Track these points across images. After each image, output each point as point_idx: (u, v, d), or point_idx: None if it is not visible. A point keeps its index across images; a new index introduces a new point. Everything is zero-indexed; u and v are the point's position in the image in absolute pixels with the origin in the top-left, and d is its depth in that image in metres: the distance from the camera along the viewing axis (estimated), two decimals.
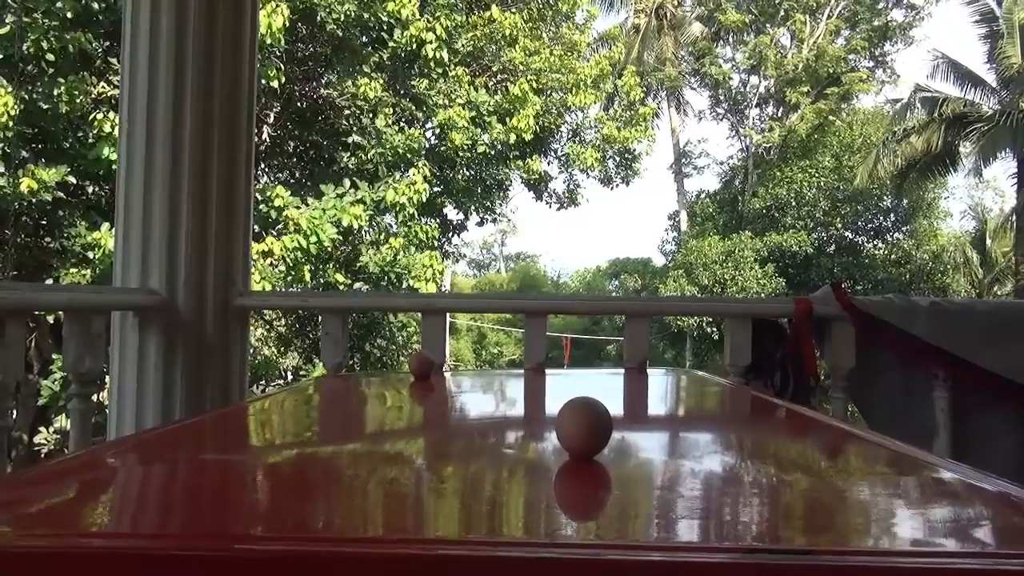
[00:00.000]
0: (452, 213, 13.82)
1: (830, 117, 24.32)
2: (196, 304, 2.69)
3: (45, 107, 8.98)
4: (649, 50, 27.50)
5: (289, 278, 9.97)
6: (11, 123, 8.41)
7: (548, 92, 13.58)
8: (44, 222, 9.85)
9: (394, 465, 1.11)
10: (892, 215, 24.56)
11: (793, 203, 23.47)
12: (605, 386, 2.22)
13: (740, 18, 26.13)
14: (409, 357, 2.17)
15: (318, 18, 10.66)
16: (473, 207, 13.50)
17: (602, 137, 14.90)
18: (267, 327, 12.54)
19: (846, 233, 24.51)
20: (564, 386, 2.32)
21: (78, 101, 9.07)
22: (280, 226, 10.22)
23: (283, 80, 10.23)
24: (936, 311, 2.85)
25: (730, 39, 27.97)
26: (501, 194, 14.20)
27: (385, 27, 11.18)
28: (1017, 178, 19.86)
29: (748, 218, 24.43)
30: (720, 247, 22.52)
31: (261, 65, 9.12)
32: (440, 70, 11.78)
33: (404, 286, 10.82)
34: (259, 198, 10.04)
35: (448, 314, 4.59)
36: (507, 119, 12.43)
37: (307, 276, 10.07)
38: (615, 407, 1.59)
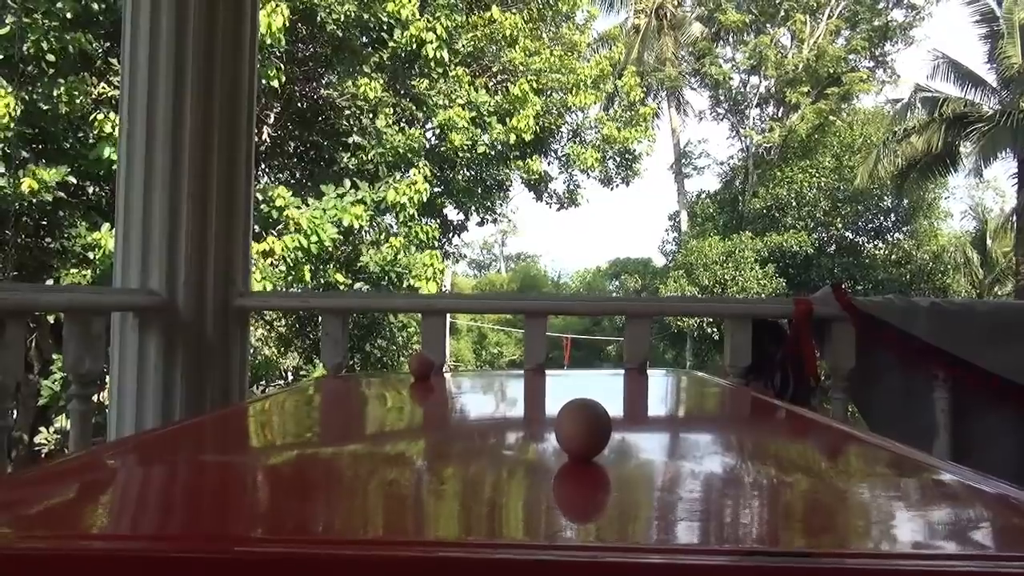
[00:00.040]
0: (452, 213, 13.84)
1: (830, 117, 24.32)
2: (196, 305, 2.69)
3: (45, 108, 8.98)
4: (649, 50, 27.50)
5: (289, 278, 9.97)
6: (11, 124, 8.41)
7: (548, 92, 13.59)
8: (44, 223, 9.85)
9: (394, 467, 1.11)
10: (892, 215, 24.56)
11: (793, 203, 23.47)
12: (605, 387, 2.22)
13: (740, 18, 26.12)
14: (409, 358, 2.17)
15: (318, 18, 10.66)
16: (473, 207, 13.50)
17: (602, 137, 14.91)
18: (267, 327, 12.54)
19: (846, 233, 24.52)
20: (564, 387, 2.32)
21: (78, 102, 9.07)
22: (280, 226, 10.22)
23: (283, 80, 10.23)
24: (936, 312, 2.85)
25: (730, 39, 27.97)
26: (501, 194, 14.20)
27: (385, 27, 11.19)
28: (1017, 178, 19.86)
29: (748, 218, 24.43)
30: (720, 247, 22.52)
31: (261, 65, 9.12)
32: (440, 70, 11.79)
33: (405, 285, 10.82)
34: (260, 198, 10.04)
35: (448, 315, 4.58)
36: (507, 119, 12.43)
37: (307, 276, 10.07)
38: (614, 408, 1.59)
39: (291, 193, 10.44)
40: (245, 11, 2.86)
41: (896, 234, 24.73)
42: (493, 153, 12.51)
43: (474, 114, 12.22)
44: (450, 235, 14.21)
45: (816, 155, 24.04)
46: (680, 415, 1.88)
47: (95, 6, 9.03)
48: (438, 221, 13.02)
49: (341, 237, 10.42)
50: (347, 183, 10.71)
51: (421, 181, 11.21)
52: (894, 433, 2.16)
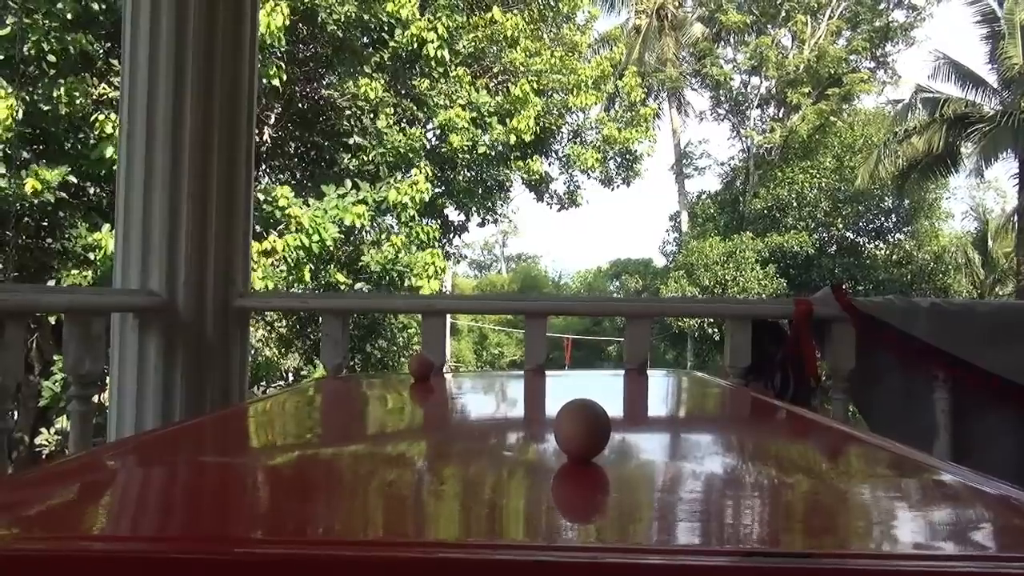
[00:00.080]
0: (453, 214, 13.83)
1: (831, 118, 24.33)
2: (196, 305, 2.69)
3: (46, 108, 8.98)
4: (650, 51, 27.51)
5: (290, 277, 9.97)
6: (13, 124, 8.41)
7: (549, 93, 13.58)
8: (45, 223, 9.85)
9: (393, 468, 1.11)
10: (893, 216, 24.56)
11: (794, 204, 23.47)
12: (605, 387, 2.22)
13: (741, 19, 26.14)
14: (409, 358, 2.17)
15: (319, 19, 10.66)
16: (474, 208, 13.50)
17: (603, 138, 14.90)
18: (268, 328, 12.54)
19: (847, 234, 24.52)
20: (564, 387, 2.32)
21: (78, 102, 9.07)
22: (281, 226, 10.23)
23: (284, 80, 10.23)
24: (936, 312, 2.85)
25: (731, 40, 27.99)
26: (502, 195, 14.20)
27: (386, 27, 11.19)
28: (1018, 179, 19.86)
29: (749, 219, 24.43)
30: (721, 248, 22.52)
31: (261, 65, 9.13)
32: (441, 70, 11.78)
33: (406, 284, 10.82)
34: (263, 198, 10.05)
35: (448, 315, 4.58)
36: (508, 120, 12.43)
37: (307, 276, 10.07)
38: (614, 409, 1.59)
39: (293, 194, 10.45)
40: (245, 11, 2.86)
41: (897, 235, 24.74)
42: (493, 154, 12.51)
43: (475, 114, 12.22)
44: (451, 236, 14.20)
45: (817, 156, 24.05)
46: (680, 415, 1.87)
47: (95, 7, 9.02)
48: (439, 222, 13.01)
49: (342, 237, 10.42)
50: (348, 183, 10.71)
51: (423, 181, 11.22)
52: (894, 434, 2.15)
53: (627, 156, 15.46)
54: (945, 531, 0.80)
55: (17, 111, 8.50)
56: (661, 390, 2.25)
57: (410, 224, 11.26)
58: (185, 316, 2.66)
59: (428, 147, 12.29)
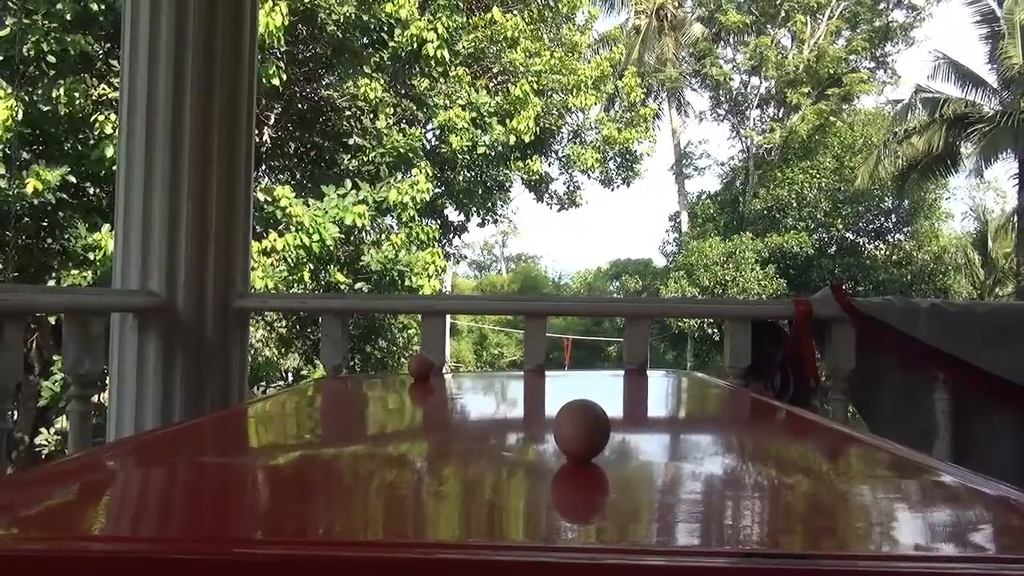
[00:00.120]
0: (453, 214, 13.84)
1: (831, 118, 24.34)
2: (196, 306, 2.69)
3: (45, 109, 8.98)
4: (650, 51, 27.51)
5: (291, 277, 9.98)
6: (12, 125, 8.41)
7: (549, 93, 13.59)
8: (45, 224, 9.85)
9: (393, 468, 1.11)
10: (893, 216, 24.57)
11: (794, 204, 23.48)
12: (604, 388, 2.22)
13: (741, 19, 26.15)
14: (409, 359, 2.17)
15: (318, 19, 10.66)
16: (474, 208, 13.51)
17: (603, 138, 14.92)
18: (268, 328, 12.54)
19: (847, 234, 24.53)
20: (563, 388, 2.32)
21: (78, 103, 9.07)
22: (281, 226, 10.23)
23: (284, 81, 10.24)
24: (936, 313, 2.85)
25: (731, 40, 28.01)
26: (502, 195, 14.21)
27: (385, 28, 11.19)
28: (1018, 179, 19.88)
29: (749, 219, 24.44)
30: (721, 248, 22.53)
31: (261, 65, 9.13)
32: (441, 69, 11.79)
33: (406, 284, 10.82)
34: (265, 198, 10.06)
35: (448, 316, 4.58)
36: (507, 120, 12.44)
37: (307, 276, 10.07)
38: (614, 409, 1.59)
39: (294, 195, 10.45)
40: (245, 11, 2.86)
41: (897, 235, 24.74)
42: (493, 154, 12.52)
43: (474, 115, 12.23)
44: (450, 236, 14.21)
45: (817, 156, 24.06)
46: (679, 416, 1.87)
47: (95, 7, 9.02)
48: (438, 222, 13.02)
49: (343, 237, 10.43)
50: (348, 184, 10.72)
51: (423, 181, 11.22)
52: (894, 434, 2.16)
53: (627, 156, 15.48)
54: (945, 532, 0.80)
55: (17, 111, 8.50)
56: (661, 391, 2.25)
57: (410, 224, 11.27)
58: (185, 316, 2.66)
59: (428, 147, 12.30)
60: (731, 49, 28.20)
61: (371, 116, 11.76)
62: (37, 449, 10.76)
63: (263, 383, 12.13)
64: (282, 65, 10.30)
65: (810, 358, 2.88)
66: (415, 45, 11.36)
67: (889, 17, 26.08)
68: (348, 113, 11.80)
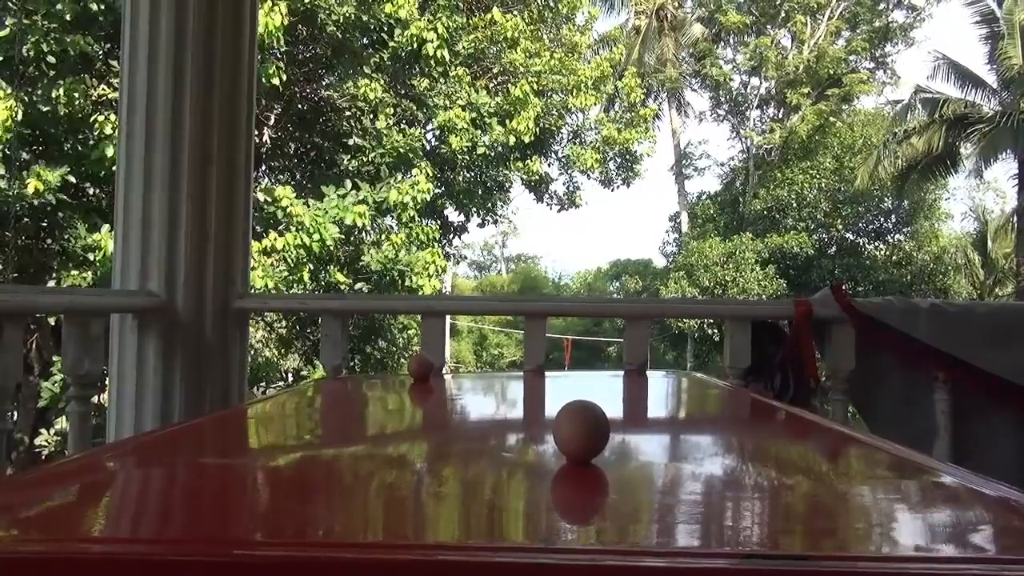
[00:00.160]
0: (453, 214, 13.85)
1: (831, 118, 24.34)
2: (195, 306, 2.69)
3: (45, 109, 8.98)
4: (650, 51, 27.51)
5: (291, 277, 9.98)
6: (12, 125, 8.41)
7: (549, 94, 13.59)
8: (45, 224, 9.85)
9: (393, 469, 1.11)
10: (893, 216, 24.57)
11: (794, 204, 23.48)
12: (604, 388, 2.22)
13: (741, 19, 26.15)
14: (409, 359, 2.17)
15: (318, 20, 10.67)
16: (474, 208, 13.51)
17: (603, 139, 14.92)
18: (268, 329, 12.54)
19: (847, 234, 24.52)
20: (563, 388, 2.32)
21: (78, 103, 9.07)
22: (281, 227, 10.23)
23: (284, 81, 10.24)
24: (936, 313, 2.85)
25: (731, 40, 28.01)
26: (502, 195, 14.21)
27: (385, 28, 11.19)
28: (1018, 179, 19.88)
29: (749, 219, 24.44)
30: (721, 248, 22.53)
31: (261, 65, 9.13)
32: (440, 69, 11.79)
33: (406, 284, 10.82)
34: (265, 199, 10.06)
35: (448, 316, 4.58)
36: (507, 121, 12.44)
37: (306, 276, 10.07)
38: (614, 410, 1.59)
39: (294, 195, 10.46)
40: (245, 11, 2.86)
41: (896, 235, 24.74)
42: (493, 154, 12.52)
43: (474, 115, 12.23)
44: (450, 236, 14.22)
45: (816, 156, 24.06)
46: (679, 417, 1.87)
47: (94, 7, 9.02)
48: (438, 222, 13.03)
49: (343, 237, 10.43)
50: (348, 184, 10.72)
51: (423, 181, 11.22)
52: (894, 435, 2.16)
53: (627, 157, 15.48)
54: (945, 533, 0.80)
55: (17, 112, 8.50)
56: (661, 391, 2.25)
57: (410, 225, 11.27)
58: (184, 317, 2.66)
59: (428, 148, 12.29)
60: (731, 49, 28.24)
61: (371, 116, 11.76)
62: (37, 450, 10.76)
63: (263, 384, 12.13)
64: (282, 65, 10.30)
65: (810, 358, 2.88)
66: (415, 45, 11.36)
67: (889, 17, 26.09)
68: (348, 113, 11.80)
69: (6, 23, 8.77)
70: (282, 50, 10.33)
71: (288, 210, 10.07)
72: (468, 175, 13.03)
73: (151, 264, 2.64)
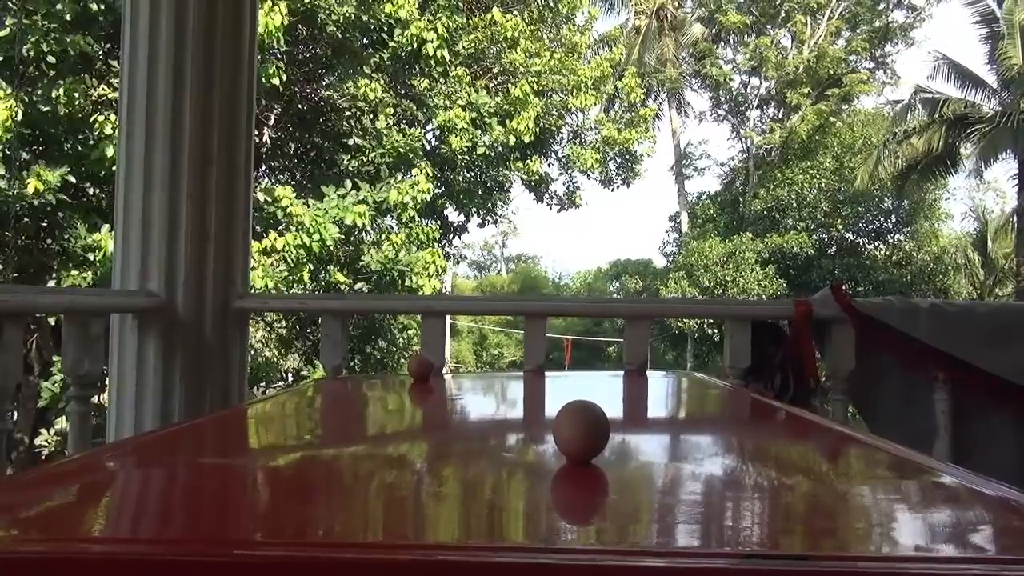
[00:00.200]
0: (453, 214, 13.85)
1: (831, 118, 24.34)
2: (195, 306, 2.69)
3: (45, 109, 8.98)
4: (650, 51, 27.51)
5: (291, 277, 9.98)
6: (12, 125, 8.41)
7: (549, 94, 13.59)
8: (45, 224, 9.85)
9: (393, 469, 1.11)
10: (893, 216, 24.57)
11: (794, 204, 23.48)
12: (604, 388, 2.22)
13: (741, 19, 26.15)
14: (409, 359, 2.17)
15: (318, 20, 10.67)
16: (474, 208, 13.51)
17: (602, 139, 14.92)
18: (268, 329, 12.54)
19: (847, 234, 24.53)
20: (563, 388, 2.32)
21: (77, 103, 9.07)
22: (281, 227, 10.23)
23: (284, 81, 10.24)
24: (936, 313, 2.85)
25: (731, 40, 28.01)
26: (502, 195, 14.21)
27: (385, 28, 11.19)
28: (1018, 179, 19.88)
29: (749, 219, 24.44)
30: (721, 248, 22.52)
31: (261, 65, 9.13)
32: (440, 69, 11.79)
33: (406, 283, 10.82)
34: (265, 199, 10.06)
35: (448, 316, 4.57)
36: (507, 121, 12.44)
37: (306, 276, 10.07)
38: (614, 410, 1.59)
39: (294, 195, 10.46)
40: (245, 11, 2.86)
41: (896, 235, 24.75)
42: (493, 154, 12.52)
43: (474, 115, 12.23)
44: (450, 236, 14.22)
45: (816, 156, 24.06)
46: (679, 417, 1.87)
47: (94, 7, 9.02)
48: (438, 222, 13.03)
49: (343, 237, 10.43)
50: (348, 184, 10.72)
51: (424, 181, 11.23)
52: (894, 435, 2.15)
53: (627, 157, 15.49)
54: (945, 533, 0.80)
55: (17, 112, 8.50)
56: (660, 391, 2.25)
57: (410, 225, 11.27)
58: (184, 317, 2.66)
59: (428, 148, 12.29)
60: (731, 49, 28.23)
61: (371, 116, 11.76)
62: (37, 450, 10.76)
63: (263, 384, 12.13)
64: (282, 65, 10.30)
65: (810, 358, 2.88)
66: (415, 45, 11.36)
67: (889, 17, 26.10)
68: (348, 113, 11.80)
69: (6, 23, 8.77)
70: (282, 50, 10.33)
71: (288, 210, 10.07)
72: (468, 175, 13.03)
73: (151, 264, 2.64)
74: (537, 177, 13.91)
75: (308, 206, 10.32)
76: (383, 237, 11.54)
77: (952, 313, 2.89)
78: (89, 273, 9.29)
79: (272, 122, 11.66)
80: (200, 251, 2.69)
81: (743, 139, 27.11)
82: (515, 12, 13.69)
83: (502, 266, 44.97)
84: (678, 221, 28.19)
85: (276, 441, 1.41)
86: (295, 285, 9.95)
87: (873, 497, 0.94)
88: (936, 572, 0.66)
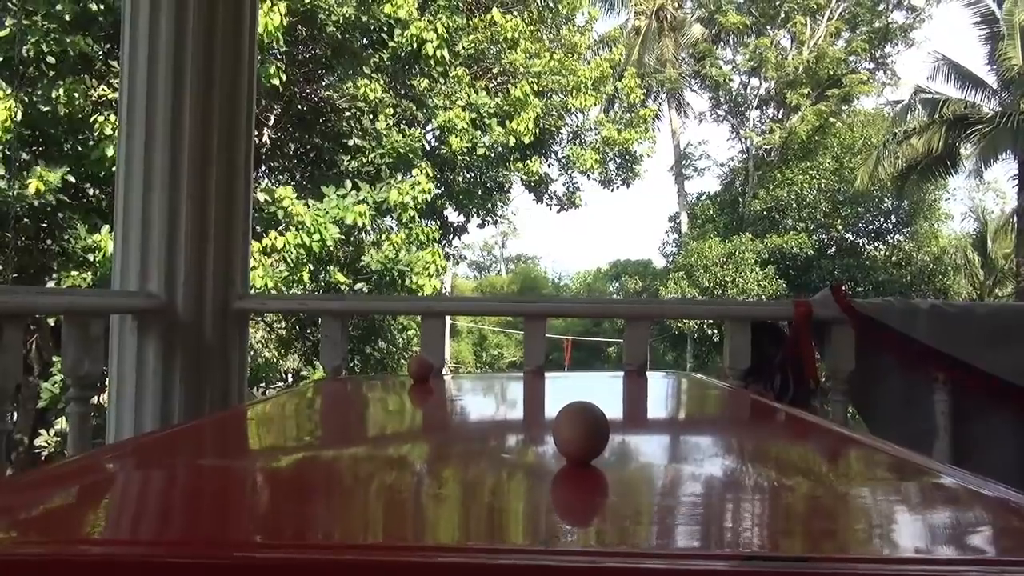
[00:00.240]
0: (452, 215, 13.85)
1: (831, 119, 24.34)
2: (195, 307, 2.68)
3: (45, 109, 8.98)
4: (650, 52, 27.51)
5: (291, 278, 9.97)
6: (12, 125, 8.40)
7: (548, 94, 13.59)
8: (44, 225, 9.85)
9: (392, 471, 1.11)
10: (893, 217, 24.57)
11: (794, 205, 23.48)
12: (604, 389, 2.22)
13: (740, 20, 26.15)
14: (409, 360, 2.17)
15: (318, 20, 10.67)
16: (474, 209, 13.51)
17: (602, 139, 14.92)
18: (268, 329, 12.53)
19: (847, 235, 24.53)
20: (563, 389, 2.32)
21: (77, 104, 9.06)
22: (281, 227, 10.23)
23: (284, 81, 10.24)
24: (936, 314, 2.85)
25: (730, 41, 28.00)
26: (501, 196, 14.21)
27: (385, 28, 11.19)
28: (1018, 180, 19.89)
29: (749, 220, 24.44)
30: (721, 249, 22.52)
31: (260, 64, 9.12)
32: (440, 69, 11.79)
33: (406, 283, 10.82)
34: (268, 199, 10.06)
35: (448, 317, 4.57)
36: (507, 121, 12.44)
37: (307, 276, 10.07)
38: (613, 411, 1.59)
39: (295, 195, 10.46)
40: (245, 11, 2.86)
41: (896, 236, 24.75)
42: (493, 155, 12.53)
43: (474, 116, 12.23)
44: (450, 237, 14.22)
45: (816, 157, 24.06)
46: (679, 418, 1.87)
47: (94, 8, 9.01)
48: (438, 223, 13.02)
49: (343, 237, 10.43)
50: (348, 184, 10.72)
51: (424, 181, 11.23)
52: (894, 436, 2.16)
53: (626, 157, 15.49)
54: (945, 535, 0.80)
55: (16, 112, 8.50)
56: (660, 392, 2.25)
57: (410, 225, 11.27)
58: (184, 318, 2.66)
59: (428, 148, 12.30)
60: (731, 50, 28.22)
61: (371, 117, 11.76)
62: (36, 451, 10.75)
63: (263, 384, 12.12)
64: (282, 65, 10.30)
65: (810, 359, 2.88)
66: (415, 45, 11.36)
67: (889, 18, 26.10)
68: (348, 114, 11.80)
69: (6, 23, 8.77)
70: (282, 50, 10.32)
71: (288, 210, 10.07)
72: (468, 175, 13.03)
73: (151, 265, 2.64)
74: (537, 177, 13.91)
75: (308, 206, 10.32)
76: (383, 237, 11.53)
77: (952, 314, 2.89)
78: (89, 274, 9.29)
79: (272, 122, 11.66)
80: (200, 251, 2.69)
81: (743, 139, 27.11)
82: (515, 13, 13.69)
83: (502, 266, 44.96)
84: (678, 221, 28.19)
85: (276, 442, 1.41)
86: (295, 285, 9.95)
87: (873, 498, 0.94)
88: (936, 573, 0.66)
